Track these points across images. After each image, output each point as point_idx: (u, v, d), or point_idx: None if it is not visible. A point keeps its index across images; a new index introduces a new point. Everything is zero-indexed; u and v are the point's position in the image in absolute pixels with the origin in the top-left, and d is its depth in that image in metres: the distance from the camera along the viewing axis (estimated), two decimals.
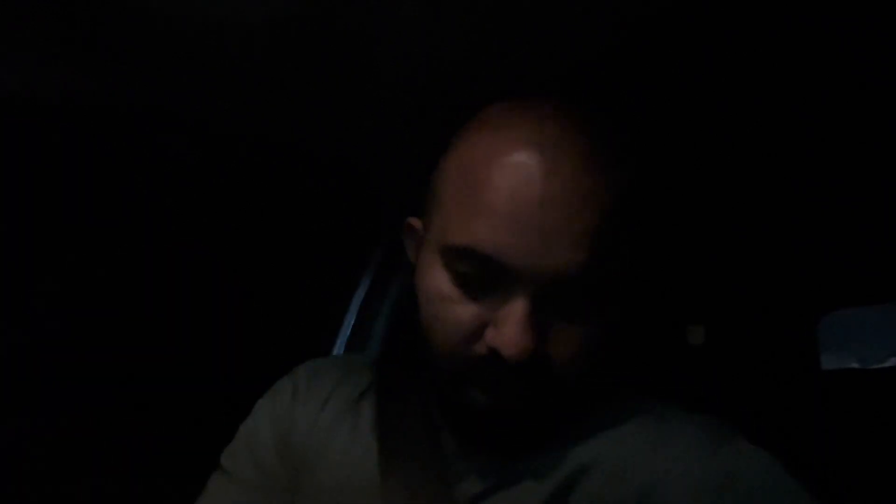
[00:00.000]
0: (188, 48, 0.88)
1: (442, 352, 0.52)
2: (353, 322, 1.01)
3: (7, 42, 0.83)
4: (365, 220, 1.07)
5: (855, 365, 1.12)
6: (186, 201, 1.01)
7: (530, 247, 0.48)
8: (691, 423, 0.55)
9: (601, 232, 0.48)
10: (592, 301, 0.50)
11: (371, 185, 1.05)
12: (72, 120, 0.88)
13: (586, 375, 0.53)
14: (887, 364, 1.09)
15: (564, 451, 0.55)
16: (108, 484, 0.95)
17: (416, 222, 0.60)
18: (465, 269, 0.50)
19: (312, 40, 0.84)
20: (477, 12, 0.77)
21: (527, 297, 0.48)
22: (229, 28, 0.84)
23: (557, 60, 0.83)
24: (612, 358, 0.57)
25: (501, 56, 0.82)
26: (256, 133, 1.01)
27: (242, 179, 1.04)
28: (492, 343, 0.49)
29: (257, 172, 1.04)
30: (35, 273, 0.95)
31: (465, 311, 0.51)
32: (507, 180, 0.49)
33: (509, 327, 0.48)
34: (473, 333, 0.51)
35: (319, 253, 1.06)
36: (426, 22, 0.79)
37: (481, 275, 0.50)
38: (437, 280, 0.53)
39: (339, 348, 1.00)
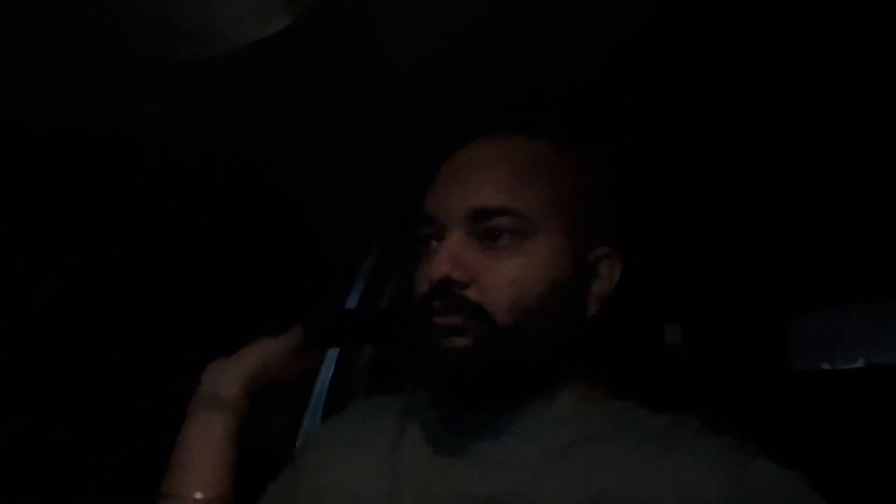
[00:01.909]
0: (182, 53, 0.88)
1: (413, 311, 0.65)
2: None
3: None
4: (359, 226, 1.08)
5: (825, 366, 1.17)
6: (184, 204, 1.01)
7: (456, 193, 0.64)
8: (711, 439, 0.58)
9: (508, 181, 0.63)
10: (512, 235, 0.62)
11: (366, 190, 1.06)
12: (71, 125, 0.88)
13: (520, 313, 0.61)
14: (856, 365, 1.14)
15: (580, 473, 0.58)
16: (108, 484, 0.96)
17: None
18: (424, 232, 0.66)
19: (308, 43, 0.85)
20: (478, 17, 0.79)
21: (455, 233, 0.63)
22: (223, 33, 0.84)
23: (555, 65, 0.85)
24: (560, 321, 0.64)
25: (499, 60, 0.84)
26: (253, 137, 1.02)
27: (239, 183, 1.03)
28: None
29: (253, 176, 1.04)
30: (35, 273, 0.95)
31: (424, 269, 0.65)
32: (446, 165, 0.68)
33: (436, 257, 0.63)
34: (426, 283, 0.64)
35: (313, 258, 1.07)
36: (426, 25, 0.80)
37: (431, 233, 0.65)
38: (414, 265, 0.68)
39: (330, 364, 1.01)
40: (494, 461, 0.62)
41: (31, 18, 0.80)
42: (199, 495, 0.70)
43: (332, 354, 1.07)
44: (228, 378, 0.75)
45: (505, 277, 0.62)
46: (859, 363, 1.13)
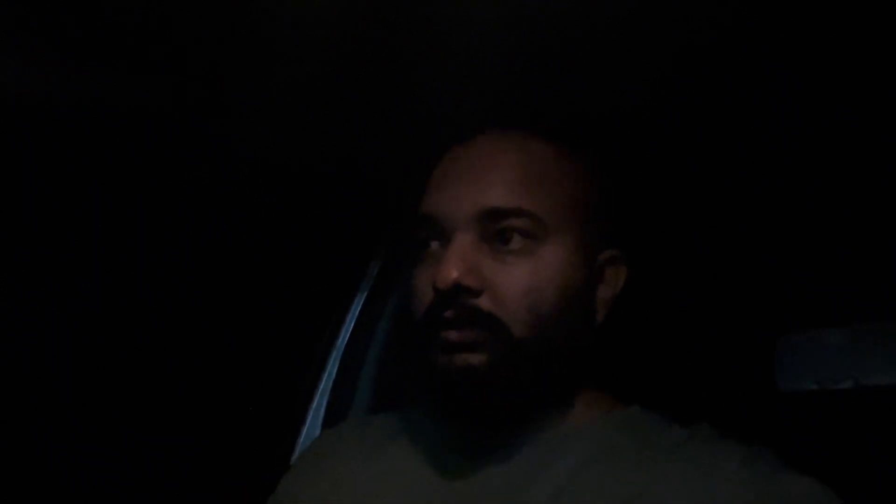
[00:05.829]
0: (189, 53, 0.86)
1: (416, 323, 0.62)
2: (346, 338, 1.01)
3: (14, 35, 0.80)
4: (363, 234, 1.07)
5: (812, 386, 1.19)
6: (187, 211, 0.99)
7: (464, 192, 0.60)
8: (733, 448, 0.57)
9: (521, 181, 0.61)
10: (526, 239, 0.59)
11: (372, 198, 1.05)
12: (82, 120, 0.86)
13: (536, 323, 0.59)
14: (843, 386, 1.16)
15: (607, 486, 0.56)
16: (107, 484, 0.96)
17: None
18: (422, 237, 0.62)
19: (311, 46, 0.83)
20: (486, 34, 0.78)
21: (461, 236, 0.60)
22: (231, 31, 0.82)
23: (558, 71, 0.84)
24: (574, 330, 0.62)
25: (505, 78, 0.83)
26: (257, 142, 1.00)
27: (241, 186, 1.02)
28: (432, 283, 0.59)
29: (257, 180, 1.03)
30: (34, 273, 0.93)
31: (424, 277, 0.61)
32: (442, 164, 0.65)
33: (442, 261, 0.59)
34: (429, 291, 0.60)
35: (316, 264, 1.06)
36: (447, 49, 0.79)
37: (432, 235, 0.62)
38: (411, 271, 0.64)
39: (332, 368, 1.00)
40: (518, 484, 0.58)
41: None
42: None
43: (334, 360, 1.06)
44: None
45: (520, 284, 0.59)
46: (847, 384, 1.15)
